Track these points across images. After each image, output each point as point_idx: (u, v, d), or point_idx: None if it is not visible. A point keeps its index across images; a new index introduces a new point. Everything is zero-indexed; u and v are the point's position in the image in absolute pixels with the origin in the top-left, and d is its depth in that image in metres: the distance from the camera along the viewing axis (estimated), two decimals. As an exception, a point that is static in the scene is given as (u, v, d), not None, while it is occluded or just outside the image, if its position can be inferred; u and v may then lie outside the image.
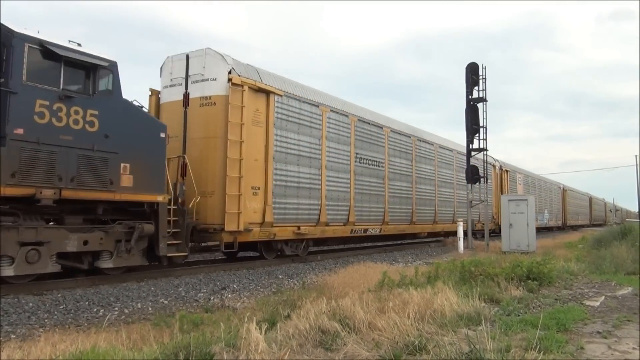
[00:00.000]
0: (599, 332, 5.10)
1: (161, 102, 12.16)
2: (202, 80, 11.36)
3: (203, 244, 12.00)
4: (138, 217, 9.23)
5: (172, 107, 11.78)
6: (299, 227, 12.83)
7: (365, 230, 15.92)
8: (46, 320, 6.36)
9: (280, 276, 10.58)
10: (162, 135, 9.64)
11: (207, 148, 11.21)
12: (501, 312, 5.95)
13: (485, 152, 19.61)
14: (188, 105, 11.46)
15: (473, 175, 19.51)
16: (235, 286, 9.16)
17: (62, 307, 7.01)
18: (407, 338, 4.46)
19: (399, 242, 21.16)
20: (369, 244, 18.54)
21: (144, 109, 9.93)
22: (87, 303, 7.27)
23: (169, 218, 9.68)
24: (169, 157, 10.22)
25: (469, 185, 19.77)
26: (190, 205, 10.45)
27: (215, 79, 11.22)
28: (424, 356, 4.06)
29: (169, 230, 9.66)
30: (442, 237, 22.53)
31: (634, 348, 4.52)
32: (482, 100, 19.08)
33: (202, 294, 8.36)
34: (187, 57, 11.63)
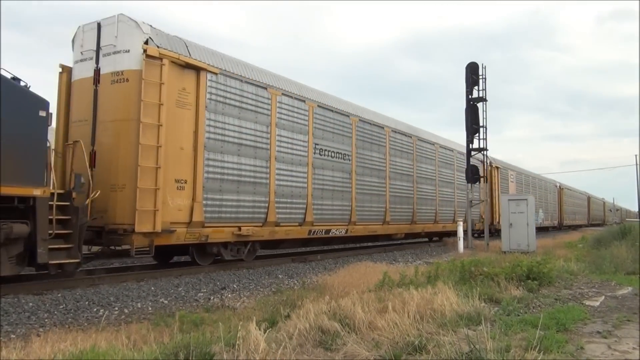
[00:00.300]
0: (599, 332, 5.10)
1: (72, 79, 10.30)
2: (114, 53, 9.63)
3: (117, 248, 9.70)
4: (10, 215, 7.41)
5: (82, 85, 10.01)
6: (239, 228, 10.97)
7: (328, 232, 14.03)
8: (46, 320, 6.36)
9: (280, 276, 10.59)
10: (42, 113, 7.83)
11: (119, 133, 9.44)
12: (501, 312, 5.95)
13: (485, 152, 19.61)
14: (99, 82, 9.73)
15: (473, 175, 19.52)
16: (235, 286, 9.17)
17: (62, 306, 7.02)
18: (407, 338, 4.46)
19: (380, 243, 19.27)
20: (369, 244, 18.53)
21: (23, 83, 7.94)
22: (87, 303, 7.28)
23: (58, 217, 8.03)
24: (75, 142, 9.19)
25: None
26: (87, 202, 8.69)
27: (129, 51, 9.47)
28: (424, 356, 4.06)
29: (52, 231, 7.82)
30: (424, 239, 21.25)
31: (634, 348, 4.52)
32: (482, 100, 19.10)
33: (202, 294, 8.36)
34: (99, 25, 9.87)
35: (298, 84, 13.68)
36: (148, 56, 9.35)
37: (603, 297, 7.24)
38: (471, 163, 19.55)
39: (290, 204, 12.68)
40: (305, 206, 13.18)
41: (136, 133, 9.18)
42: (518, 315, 5.76)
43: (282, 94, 12.58)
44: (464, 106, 19.26)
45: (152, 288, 8.50)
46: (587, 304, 6.74)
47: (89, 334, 5.15)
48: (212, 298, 8.08)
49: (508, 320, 5.37)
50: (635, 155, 76.90)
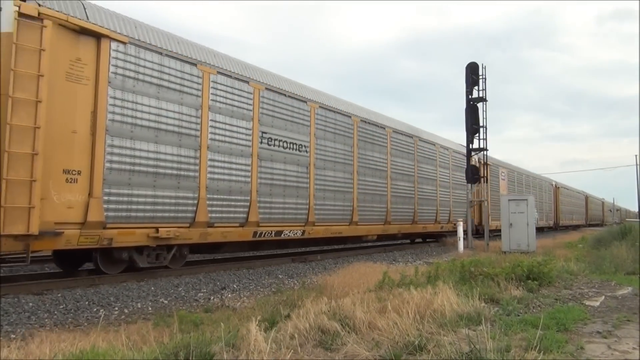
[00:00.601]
0: (599, 332, 5.10)
1: None
2: None
3: None
4: None
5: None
6: (157, 229, 9.23)
7: (279, 233, 12.27)
8: (46, 320, 6.36)
9: (280, 276, 10.59)
10: None
11: None
12: (501, 312, 5.95)
13: (485, 152, 19.62)
14: None
15: (473, 175, 19.52)
16: (235, 286, 9.17)
17: (62, 306, 7.02)
18: (407, 338, 4.46)
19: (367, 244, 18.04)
20: (369, 244, 18.53)
21: None
22: (87, 303, 7.28)
23: None
24: None
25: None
26: None
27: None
28: (424, 356, 4.06)
29: None
30: (399, 240, 19.89)
31: (634, 348, 4.52)
32: (482, 100, 19.11)
33: (202, 294, 8.37)
34: None
35: (241, 62, 11.79)
36: (23, 15, 7.57)
37: (603, 297, 7.24)
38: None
39: (228, 202, 10.82)
40: (248, 204, 11.32)
41: (4, 111, 7.37)
42: (518, 315, 5.77)
43: (218, 72, 10.76)
44: (464, 106, 19.27)
45: (152, 288, 8.51)
46: (587, 304, 6.75)
47: (89, 334, 5.14)
48: (212, 298, 8.08)
49: (508, 320, 5.38)
50: (635, 156, 77.06)
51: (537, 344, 4.09)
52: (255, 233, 11.55)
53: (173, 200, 9.66)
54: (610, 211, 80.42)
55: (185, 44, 10.35)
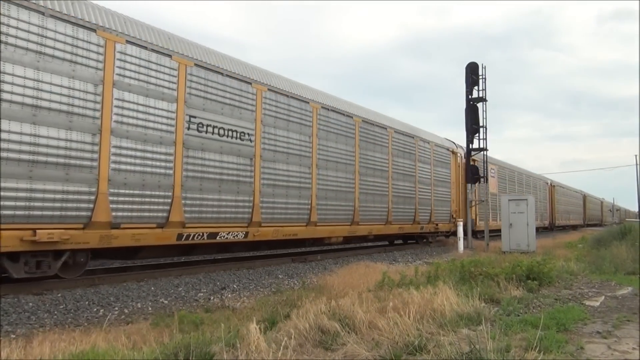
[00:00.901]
0: (599, 332, 5.11)
1: None
2: None
3: None
4: None
5: None
6: (34, 232, 7.38)
7: (213, 235, 10.28)
8: (46, 320, 6.36)
9: (280, 276, 10.59)
10: None
11: None
12: (501, 312, 5.95)
13: (485, 152, 19.64)
14: None
15: (473, 175, 19.54)
16: (235, 286, 9.17)
17: (62, 306, 7.02)
18: (407, 338, 4.46)
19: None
20: (369, 244, 18.53)
21: None
22: (87, 303, 7.28)
23: None
24: None
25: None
26: None
27: None
28: (424, 356, 4.06)
29: None
30: (371, 243, 18.28)
31: (634, 348, 4.52)
32: (482, 100, 19.13)
33: (202, 294, 8.37)
34: None
35: (163, 32, 9.89)
36: None
37: (603, 297, 7.24)
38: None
39: (141, 198, 8.99)
40: (170, 201, 9.43)
41: None
42: (518, 316, 5.76)
43: (128, 42, 8.92)
44: (464, 106, 19.29)
45: (152, 288, 8.51)
46: (587, 304, 6.75)
47: (89, 334, 5.15)
48: (212, 298, 8.08)
49: (508, 321, 5.38)
50: (635, 155, 77.13)
51: (537, 344, 4.10)
52: (180, 236, 9.65)
53: (59, 196, 7.77)
54: (610, 211, 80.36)
55: (83, 5, 8.42)
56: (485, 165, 20.51)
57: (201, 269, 10.75)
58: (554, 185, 43.43)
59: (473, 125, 19.08)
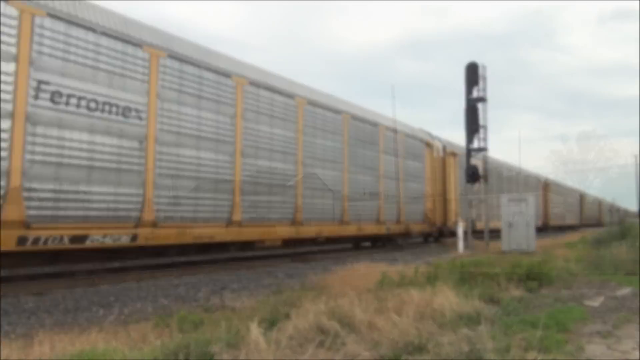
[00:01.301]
0: (598, 332, 5.10)
1: None
2: None
3: None
4: None
5: None
6: None
7: (79, 239, 8.13)
8: (46, 320, 6.36)
9: (280, 276, 10.59)
10: None
11: None
12: (501, 312, 5.95)
13: (485, 152, 19.63)
14: None
15: (473, 174, 19.53)
16: (235, 286, 9.17)
17: (62, 306, 7.02)
18: (406, 338, 4.46)
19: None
20: (370, 245, 18.50)
21: None
22: (86, 303, 7.28)
23: None
24: None
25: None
26: None
27: None
28: (424, 356, 4.06)
29: None
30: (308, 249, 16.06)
31: (633, 348, 4.52)
32: (482, 100, 19.12)
33: (202, 294, 8.37)
34: None
35: None
36: None
37: (603, 298, 7.24)
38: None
39: None
40: (3, 194, 7.27)
41: None
42: (518, 316, 5.76)
43: None
44: (464, 106, 19.28)
45: (152, 288, 8.51)
46: (587, 304, 6.74)
47: (89, 334, 5.15)
48: (212, 298, 8.08)
49: (508, 321, 5.37)
50: (635, 156, 76.94)
51: (537, 344, 4.09)
52: (23, 239, 7.44)
53: None
54: (610, 211, 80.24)
55: None
56: (485, 165, 20.50)
57: (201, 269, 10.74)
58: (548, 183, 41.07)
59: (473, 125, 19.07)
